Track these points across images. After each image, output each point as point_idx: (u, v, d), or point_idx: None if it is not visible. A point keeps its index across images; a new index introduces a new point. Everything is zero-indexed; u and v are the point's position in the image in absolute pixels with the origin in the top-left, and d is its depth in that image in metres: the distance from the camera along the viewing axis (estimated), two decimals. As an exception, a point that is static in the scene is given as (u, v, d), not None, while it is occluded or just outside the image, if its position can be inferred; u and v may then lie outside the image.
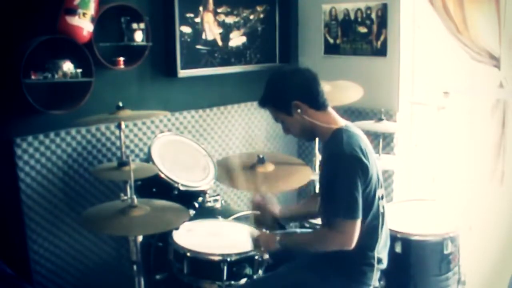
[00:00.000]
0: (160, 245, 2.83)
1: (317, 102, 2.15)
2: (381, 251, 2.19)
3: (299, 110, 2.12)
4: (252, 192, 2.47)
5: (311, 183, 3.20)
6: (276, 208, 2.44)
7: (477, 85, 3.26)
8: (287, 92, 2.13)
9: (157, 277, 2.79)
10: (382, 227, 2.16)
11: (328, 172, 2.10)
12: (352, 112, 3.66)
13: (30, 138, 2.91)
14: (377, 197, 2.12)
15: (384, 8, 3.53)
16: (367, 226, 2.08)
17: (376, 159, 2.21)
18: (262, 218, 2.44)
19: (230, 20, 3.65)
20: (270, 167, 2.64)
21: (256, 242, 2.28)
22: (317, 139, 2.51)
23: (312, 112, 2.14)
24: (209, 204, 3.03)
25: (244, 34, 3.74)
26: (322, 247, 2.11)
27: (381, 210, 2.15)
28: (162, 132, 3.33)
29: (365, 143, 2.14)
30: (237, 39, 3.71)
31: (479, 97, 3.24)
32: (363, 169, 2.03)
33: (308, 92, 2.14)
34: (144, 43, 3.16)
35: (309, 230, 2.66)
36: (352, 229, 2.02)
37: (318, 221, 2.61)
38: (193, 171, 3.14)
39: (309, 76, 2.16)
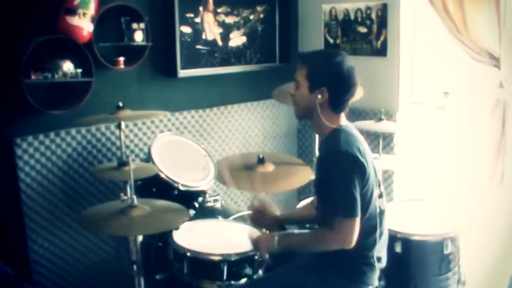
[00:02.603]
0: (160, 245, 2.83)
1: (337, 106, 2.13)
2: (380, 249, 2.19)
3: (319, 96, 2.10)
4: (252, 196, 2.47)
5: (311, 183, 3.19)
6: (276, 211, 2.44)
7: (477, 85, 3.25)
8: (328, 77, 2.09)
9: (157, 277, 2.78)
10: (380, 226, 2.16)
11: (325, 170, 2.10)
12: (352, 112, 3.62)
13: (30, 138, 2.91)
14: (374, 197, 2.12)
15: (384, 8, 3.53)
16: (364, 226, 2.08)
17: (374, 159, 2.20)
18: (262, 221, 2.43)
19: (230, 20, 3.64)
20: (270, 167, 2.64)
21: (255, 243, 2.27)
22: (317, 139, 2.51)
23: (326, 108, 2.13)
24: (209, 204, 3.03)
25: (244, 34, 3.74)
26: (321, 247, 2.10)
27: (378, 209, 2.15)
28: (162, 132, 3.33)
29: (362, 143, 2.14)
30: (237, 39, 3.71)
31: (479, 97, 3.24)
32: (360, 168, 2.03)
33: (340, 95, 2.12)
34: (144, 43, 3.16)
35: (308, 230, 2.65)
36: (351, 228, 2.01)
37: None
38: (193, 171, 3.14)
39: (353, 82, 2.12)
